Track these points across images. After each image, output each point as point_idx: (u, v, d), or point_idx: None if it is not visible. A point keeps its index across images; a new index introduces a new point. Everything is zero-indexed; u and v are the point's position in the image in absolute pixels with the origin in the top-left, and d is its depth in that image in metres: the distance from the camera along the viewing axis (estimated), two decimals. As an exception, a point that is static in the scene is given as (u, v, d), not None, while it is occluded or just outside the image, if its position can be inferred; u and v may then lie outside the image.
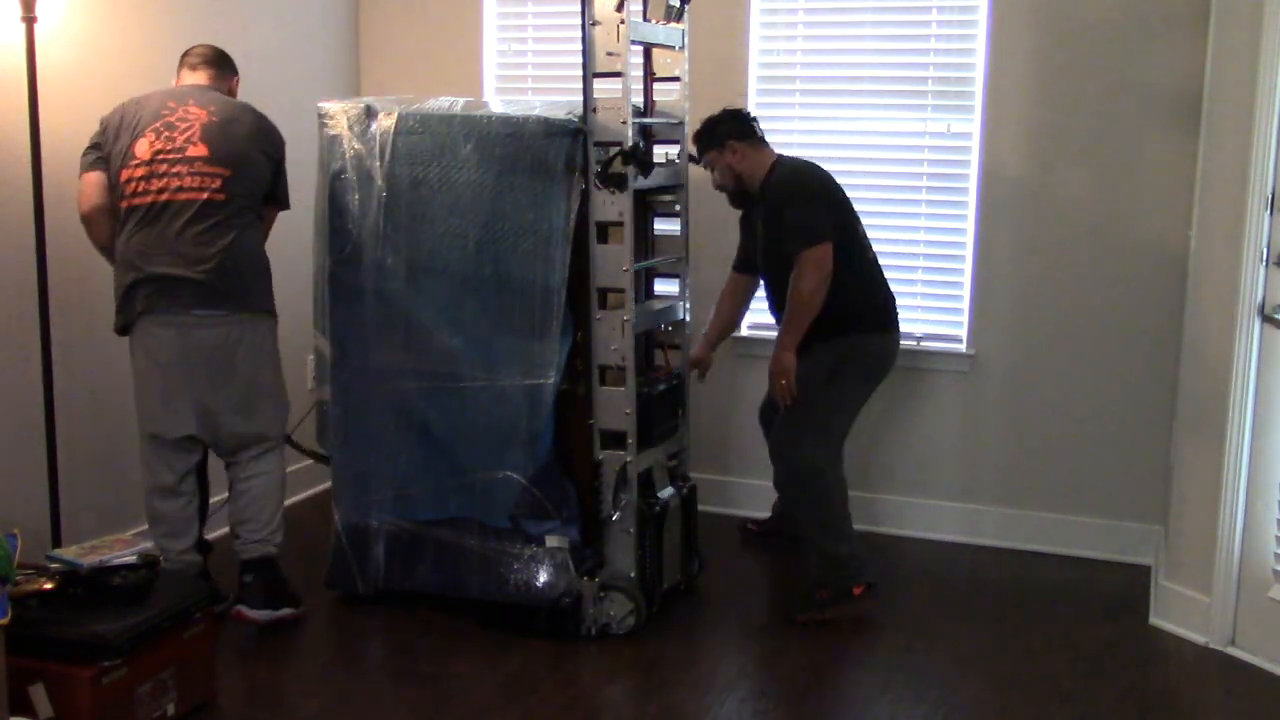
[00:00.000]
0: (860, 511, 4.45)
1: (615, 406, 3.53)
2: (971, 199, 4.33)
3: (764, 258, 3.90)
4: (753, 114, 3.98)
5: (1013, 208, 4.28)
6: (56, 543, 3.48)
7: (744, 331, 4.52)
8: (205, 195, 3.43)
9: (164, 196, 3.40)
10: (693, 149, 3.91)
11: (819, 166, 3.86)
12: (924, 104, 4.37)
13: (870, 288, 3.84)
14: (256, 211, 3.60)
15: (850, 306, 3.73)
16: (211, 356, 3.47)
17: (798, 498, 3.82)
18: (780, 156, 3.89)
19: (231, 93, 3.72)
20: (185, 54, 3.69)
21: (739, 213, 4.11)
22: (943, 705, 3.24)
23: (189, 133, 3.46)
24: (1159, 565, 3.97)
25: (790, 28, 4.50)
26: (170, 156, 3.42)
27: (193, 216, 3.41)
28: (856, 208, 3.89)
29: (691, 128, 3.89)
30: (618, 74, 3.39)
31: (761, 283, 4.05)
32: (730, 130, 3.84)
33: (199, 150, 3.45)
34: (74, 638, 2.80)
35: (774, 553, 4.27)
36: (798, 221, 3.66)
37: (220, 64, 3.72)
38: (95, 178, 3.47)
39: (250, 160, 3.55)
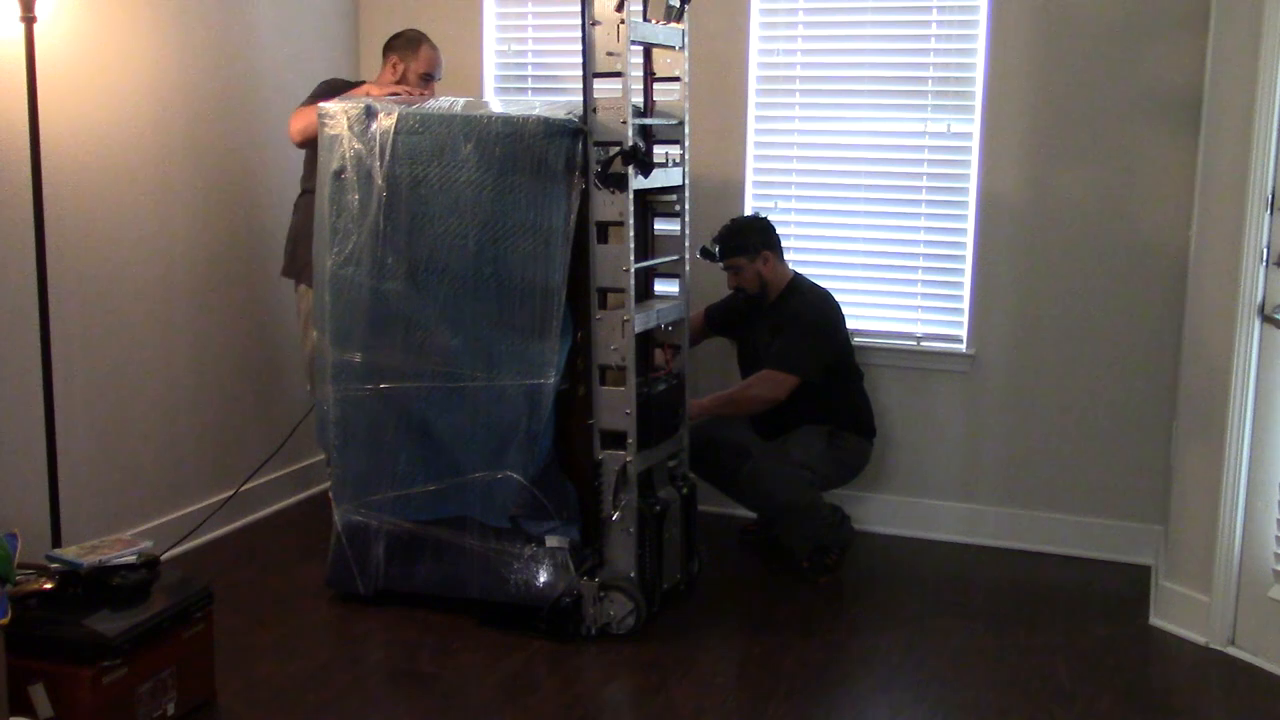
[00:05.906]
0: (860, 511, 4.48)
1: (615, 406, 3.53)
2: (971, 199, 4.33)
3: (759, 358, 4.16)
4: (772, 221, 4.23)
5: (1013, 207, 4.28)
6: (56, 543, 3.47)
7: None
8: None
9: None
10: (710, 245, 4.13)
11: (831, 296, 4.19)
12: (924, 104, 4.37)
13: (866, 399, 4.26)
14: (303, 189, 4.26)
15: (863, 409, 4.22)
16: None
17: (792, 523, 4.04)
18: (797, 274, 4.22)
19: (384, 77, 4.25)
20: None
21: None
22: (943, 705, 3.24)
23: None
24: (1159, 565, 3.97)
25: (790, 28, 4.49)
26: None
27: None
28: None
29: (692, 128, 3.89)
30: (618, 74, 3.39)
31: (738, 365, 4.37)
32: (764, 241, 4.13)
33: None
34: (74, 638, 2.79)
35: (773, 553, 4.27)
36: (794, 346, 4.03)
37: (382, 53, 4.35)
38: None
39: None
